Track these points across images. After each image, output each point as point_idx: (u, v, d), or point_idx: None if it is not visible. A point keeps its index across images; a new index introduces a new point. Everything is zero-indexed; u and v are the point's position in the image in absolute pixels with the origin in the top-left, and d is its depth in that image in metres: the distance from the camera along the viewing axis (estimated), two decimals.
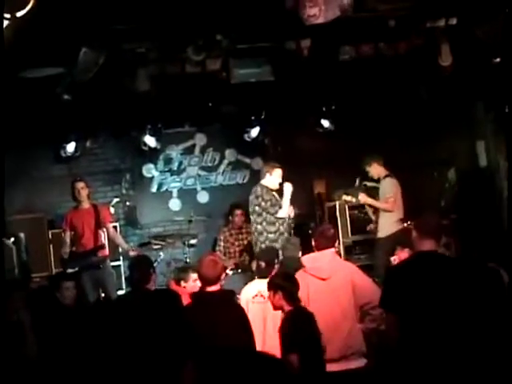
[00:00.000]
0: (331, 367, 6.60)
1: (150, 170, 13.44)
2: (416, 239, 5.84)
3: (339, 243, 11.44)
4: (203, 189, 13.63)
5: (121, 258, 11.86)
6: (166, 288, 7.07)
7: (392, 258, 8.29)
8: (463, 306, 5.49)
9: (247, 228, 12.07)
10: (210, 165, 13.70)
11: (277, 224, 10.11)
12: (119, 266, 11.87)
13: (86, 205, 10.79)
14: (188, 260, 11.71)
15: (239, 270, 11.21)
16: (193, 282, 8.13)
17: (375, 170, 11.25)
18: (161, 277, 12.03)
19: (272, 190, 10.26)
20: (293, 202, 11.15)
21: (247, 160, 13.77)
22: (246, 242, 11.88)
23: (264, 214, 10.06)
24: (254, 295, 7.43)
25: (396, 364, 5.69)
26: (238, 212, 12.15)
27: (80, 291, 9.89)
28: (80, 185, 10.78)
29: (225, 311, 6.46)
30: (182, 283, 8.16)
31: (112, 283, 10.69)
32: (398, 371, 5.65)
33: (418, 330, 5.52)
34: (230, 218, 12.38)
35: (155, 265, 11.37)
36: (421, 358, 5.42)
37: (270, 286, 6.69)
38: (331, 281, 6.98)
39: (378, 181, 11.33)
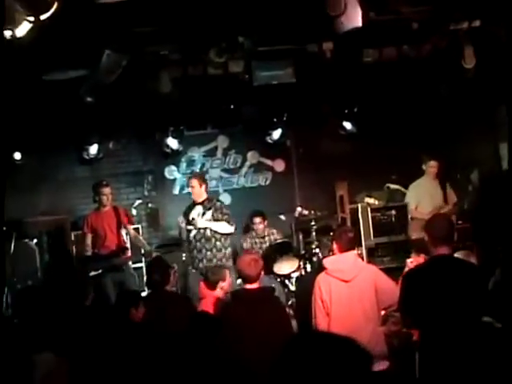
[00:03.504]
0: None
1: (172, 172, 13.46)
2: (429, 244, 5.82)
3: (360, 245, 11.41)
4: (225, 191, 13.65)
5: (143, 259, 11.87)
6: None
7: (409, 261, 8.30)
8: (479, 309, 5.48)
9: (269, 234, 11.99)
10: (232, 167, 13.72)
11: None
12: (141, 267, 11.89)
13: (106, 207, 10.82)
14: None
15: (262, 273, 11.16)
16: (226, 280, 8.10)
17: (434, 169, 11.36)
18: (182, 278, 12.08)
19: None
20: (311, 204, 11.23)
21: (269, 162, 13.77)
22: (267, 246, 11.81)
23: None
24: None
25: (416, 367, 5.68)
26: (257, 220, 12.00)
27: (101, 293, 9.96)
28: (107, 190, 10.78)
29: (265, 308, 6.59)
30: (221, 283, 7.99)
31: (133, 285, 10.71)
32: (418, 374, 5.65)
33: (436, 334, 5.51)
34: (251, 224, 12.25)
35: (177, 267, 11.44)
36: (439, 362, 5.41)
37: None
38: (354, 283, 6.97)
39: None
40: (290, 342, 2.54)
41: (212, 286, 7.95)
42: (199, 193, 10.60)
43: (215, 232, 10.40)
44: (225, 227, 10.42)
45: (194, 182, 10.66)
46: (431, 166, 11.44)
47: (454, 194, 11.56)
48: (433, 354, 5.48)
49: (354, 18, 7.78)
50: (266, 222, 11.99)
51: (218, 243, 10.43)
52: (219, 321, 6.10)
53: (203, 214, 10.48)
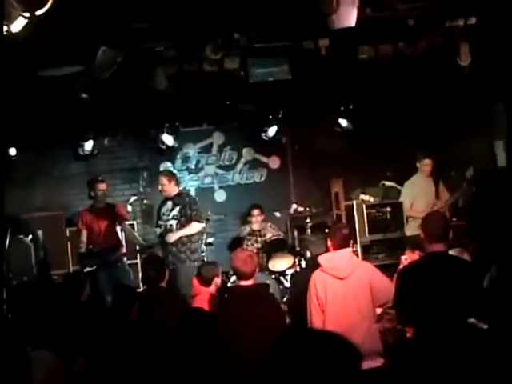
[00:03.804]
0: None
1: (167, 169, 13.44)
2: (425, 241, 5.83)
3: (355, 242, 11.40)
4: (220, 187, 13.65)
5: (138, 256, 11.86)
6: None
7: (403, 258, 8.32)
8: (475, 307, 5.49)
9: (264, 228, 12.03)
10: (227, 163, 13.71)
11: None
12: (136, 264, 11.88)
13: (101, 203, 10.82)
14: (205, 258, 11.72)
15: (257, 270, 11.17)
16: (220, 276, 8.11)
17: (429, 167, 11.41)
18: None
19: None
20: (306, 201, 11.21)
21: (264, 159, 13.77)
22: (263, 241, 11.85)
23: None
24: None
25: (411, 364, 5.68)
26: (255, 213, 12.07)
27: (96, 289, 9.95)
28: (103, 186, 10.80)
29: (260, 305, 6.60)
30: (216, 279, 7.98)
31: (129, 281, 10.70)
32: (413, 371, 5.64)
33: (430, 332, 5.52)
34: (249, 218, 12.29)
35: None
36: (433, 359, 5.42)
37: None
38: (349, 280, 6.96)
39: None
40: (278, 339, 2.55)
41: (207, 282, 7.95)
42: (170, 189, 10.66)
43: (182, 227, 10.46)
44: (194, 227, 10.50)
45: (164, 180, 10.71)
46: (425, 164, 11.46)
47: (446, 192, 11.57)
48: (427, 350, 5.49)
49: (347, 17, 7.79)
50: (263, 216, 12.04)
51: (183, 238, 10.45)
52: (214, 318, 6.10)
53: (172, 209, 10.55)
